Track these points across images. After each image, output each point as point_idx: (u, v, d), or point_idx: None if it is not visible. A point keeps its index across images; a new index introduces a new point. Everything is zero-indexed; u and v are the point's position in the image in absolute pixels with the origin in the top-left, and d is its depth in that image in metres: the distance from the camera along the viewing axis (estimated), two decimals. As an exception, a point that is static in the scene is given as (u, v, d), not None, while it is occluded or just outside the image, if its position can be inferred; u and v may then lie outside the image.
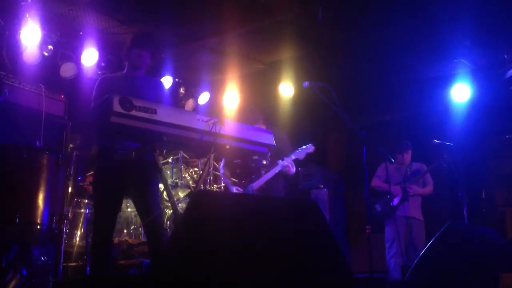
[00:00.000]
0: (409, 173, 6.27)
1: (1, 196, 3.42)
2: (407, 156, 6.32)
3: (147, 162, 3.71)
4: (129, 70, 4.00)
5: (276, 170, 4.99)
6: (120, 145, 3.73)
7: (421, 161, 6.38)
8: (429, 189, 6.27)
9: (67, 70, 5.92)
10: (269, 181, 5.04)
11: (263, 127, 5.08)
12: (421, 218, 6.18)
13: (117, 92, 3.66)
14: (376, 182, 6.33)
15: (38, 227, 3.53)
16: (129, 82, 3.89)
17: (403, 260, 5.92)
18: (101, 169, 3.85)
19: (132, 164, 3.68)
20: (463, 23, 5.58)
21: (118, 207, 3.88)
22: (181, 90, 7.17)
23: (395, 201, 6.10)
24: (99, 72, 6.18)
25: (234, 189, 5.07)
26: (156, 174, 3.80)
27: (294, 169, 5.06)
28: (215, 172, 6.01)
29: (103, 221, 3.75)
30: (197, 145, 3.63)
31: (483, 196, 7.20)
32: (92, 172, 5.40)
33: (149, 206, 3.74)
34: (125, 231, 5.86)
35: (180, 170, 5.97)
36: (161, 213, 3.83)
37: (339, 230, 7.63)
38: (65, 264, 4.84)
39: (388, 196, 6.15)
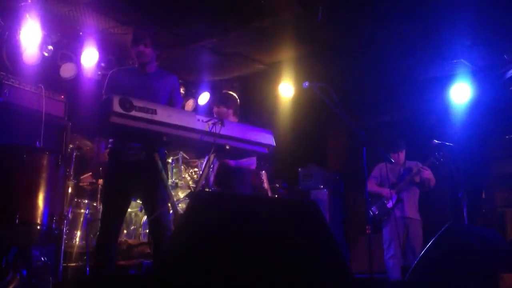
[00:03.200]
0: (402, 172, 6.26)
1: (1, 197, 3.42)
2: (402, 155, 6.32)
3: (155, 162, 3.72)
4: (139, 65, 3.95)
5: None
6: (130, 145, 3.74)
7: (419, 161, 6.37)
8: (433, 178, 6.20)
9: (67, 71, 5.93)
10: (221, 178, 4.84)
11: (234, 118, 4.94)
12: (418, 218, 6.17)
13: (130, 92, 3.63)
14: (371, 186, 6.26)
15: (38, 227, 3.53)
16: (141, 81, 3.85)
17: (402, 261, 5.92)
18: (112, 169, 3.86)
19: (141, 163, 3.69)
20: (463, 24, 5.59)
21: (126, 207, 3.89)
22: (181, 90, 7.17)
23: (391, 203, 6.09)
24: (99, 73, 6.18)
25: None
26: (162, 174, 3.82)
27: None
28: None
29: (111, 221, 3.75)
30: (197, 146, 3.63)
31: (483, 196, 7.20)
32: (89, 173, 5.41)
33: (156, 205, 3.75)
34: (125, 231, 5.86)
35: (180, 170, 5.97)
36: (167, 213, 3.83)
37: (338, 231, 7.64)
38: (65, 264, 4.85)
39: (383, 199, 6.15)
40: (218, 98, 5.02)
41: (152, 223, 3.81)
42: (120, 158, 3.78)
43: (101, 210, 4.41)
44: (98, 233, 3.83)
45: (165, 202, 3.82)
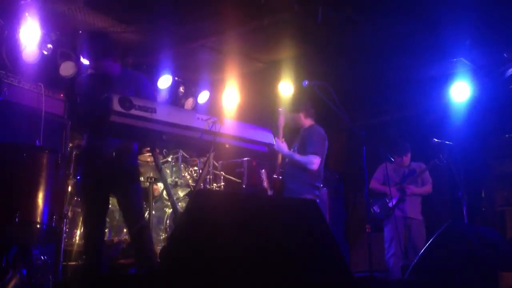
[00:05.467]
0: (406, 173, 6.27)
1: (0, 196, 3.42)
2: (406, 159, 6.33)
3: (127, 163, 3.73)
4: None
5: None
6: (104, 144, 3.74)
7: (421, 161, 6.38)
8: (427, 188, 6.25)
9: (66, 69, 5.91)
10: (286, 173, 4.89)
11: (308, 120, 4.98)
12: (420, 218, 6.18)
13: (93, 98, 3.63)
14: (374, 184, 6.31)
15: (38, 226, 3.53)
16: (103, 86, 3.79)
17: (402, 260, 5.93)
18: (87, 166, 3.88)
19: (112, 163, 3.69)
20: (463, 22, 5.58)
21: (107, 203, 3.89)
22: (181, 89, 7.17)
23: (392, 202, 6.11)
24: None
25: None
26: (136, 175, 3.83)
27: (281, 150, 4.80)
28: (215, 171, 6.01)
29: (91, 221, 3.78)
30: (197, 144, 3.64)
31: (483, 195, 7.20)
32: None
33: (131, 203, 3.77)
34: (125, 230, 5.85)
35: (180, 169, 5.97)
36: (141, 213, 3.82)
37: (338, 230, 7.64)
38: (64, 263, 4.84)
39: (386, 199, 6.16)
40: (290, 108, 5.07)
41: (127, 220, 3.81)
42: (95, 155, 3.79)
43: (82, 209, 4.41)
44: (84, 233, 3.84)
45: (140, 198, 3.83)
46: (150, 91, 4.05)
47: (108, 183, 3.76)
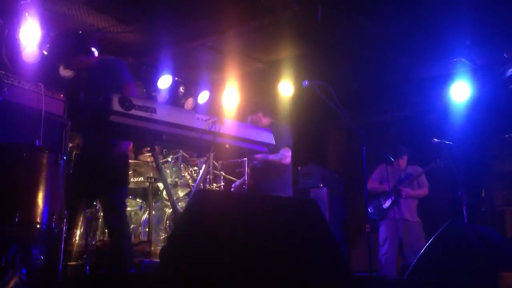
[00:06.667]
0: (403, 176, 6.28)
1: (0, 196, 3.42)
2: (403, 161, 6.34)
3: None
4: None
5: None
6: (90, 143, 3.76)
7: (420, 161, 6.38)
8: (423, 191, 6.27)
9: (66, 69, 5.91)
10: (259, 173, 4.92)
11: (266, 119, 5.03)
12: (416, 220, 6.18)
13: (79, 90, 3.77)
14: (372, 184, 6.30)
15: (38, 226, 3.53)
16: (84, 77, 3.87)
17: (397, 260, 5.95)
18: (76, 166, 3.98)
19: (93, 161, 3.70)
20: (463, 22, 5.58)
21: (81, 206, 3.93)
22: (181, 89, 7.17)
23: (387, 203, 6.12)
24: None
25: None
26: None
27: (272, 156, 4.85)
28: (214, 171, 6.01)
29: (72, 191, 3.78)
30: (197, 144, 3.64)
31: (483, 195, 7.20)
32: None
33: (110, 209, 3.76)
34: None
35: (180, 169, 5.96)
36: (116, 214, 3.81)
37: (338, 229, 7.64)
38: (64, 263, 4.84)
39: (381, 200, 6.17)
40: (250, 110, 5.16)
41: (107, 222, 3.85)
42: (88, 154, 3.85)
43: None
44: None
45: (123, 202, 3.84)
46: (126, 76, 3.85)
47: (96, 183, 3.76)
